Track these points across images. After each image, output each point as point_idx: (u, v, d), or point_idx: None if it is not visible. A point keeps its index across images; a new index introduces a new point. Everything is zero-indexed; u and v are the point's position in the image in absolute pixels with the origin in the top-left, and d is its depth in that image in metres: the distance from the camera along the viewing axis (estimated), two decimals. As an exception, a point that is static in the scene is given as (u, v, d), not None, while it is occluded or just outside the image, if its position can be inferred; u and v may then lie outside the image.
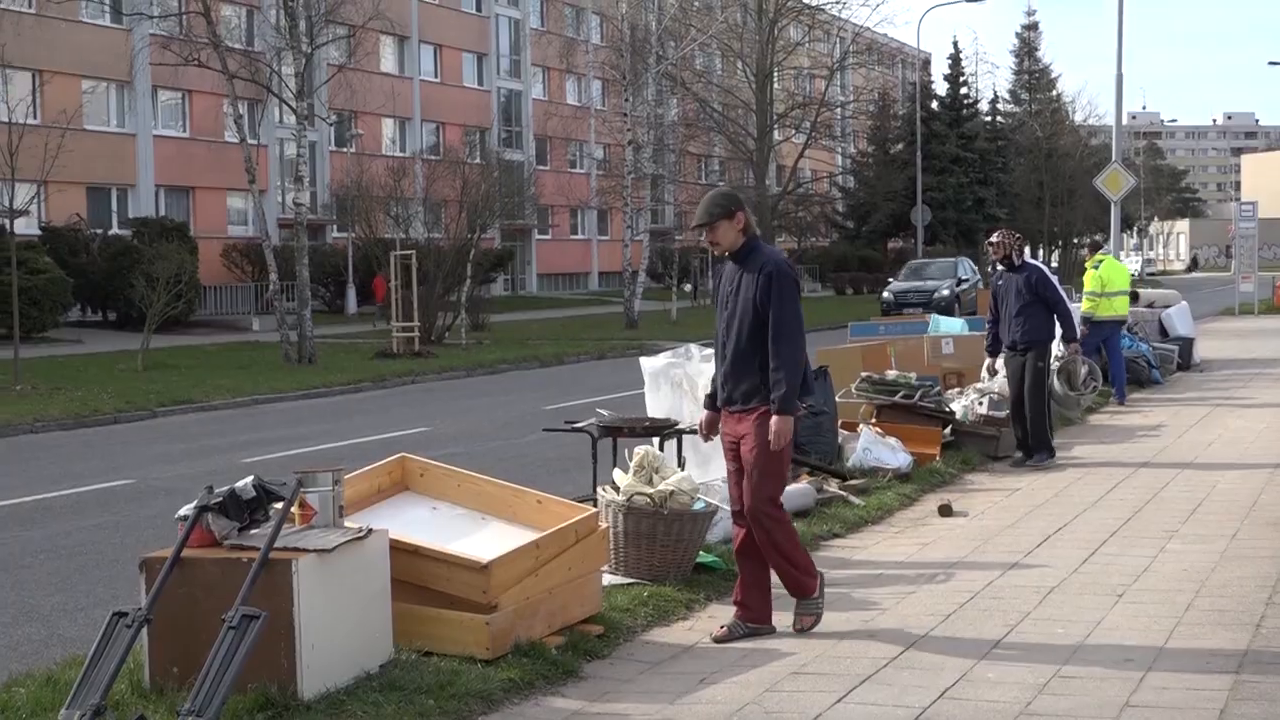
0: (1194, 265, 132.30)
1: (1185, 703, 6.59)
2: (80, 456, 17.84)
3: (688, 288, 65.70)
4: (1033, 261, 15.23)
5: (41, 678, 6.98)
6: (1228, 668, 7.13)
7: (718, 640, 7.82)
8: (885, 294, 48.21)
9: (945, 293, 45.69)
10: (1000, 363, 14.99)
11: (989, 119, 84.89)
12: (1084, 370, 16.84)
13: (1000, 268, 15.11)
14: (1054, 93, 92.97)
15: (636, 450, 9.31)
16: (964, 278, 48.52)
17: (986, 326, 15.46)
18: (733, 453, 7.98)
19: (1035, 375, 14.55)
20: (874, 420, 14.49)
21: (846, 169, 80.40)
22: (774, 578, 8.06)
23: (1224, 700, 6.60)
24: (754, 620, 7.95)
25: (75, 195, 45.73)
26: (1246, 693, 6.72)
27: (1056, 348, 16.05)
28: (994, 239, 15.08)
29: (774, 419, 7.68)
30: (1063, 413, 17.14)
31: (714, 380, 8.12)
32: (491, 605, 7.26)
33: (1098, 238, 32.35)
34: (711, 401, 8.12)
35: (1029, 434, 14.53)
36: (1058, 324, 14.97)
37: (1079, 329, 17.71)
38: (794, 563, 7.97)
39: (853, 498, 11.94)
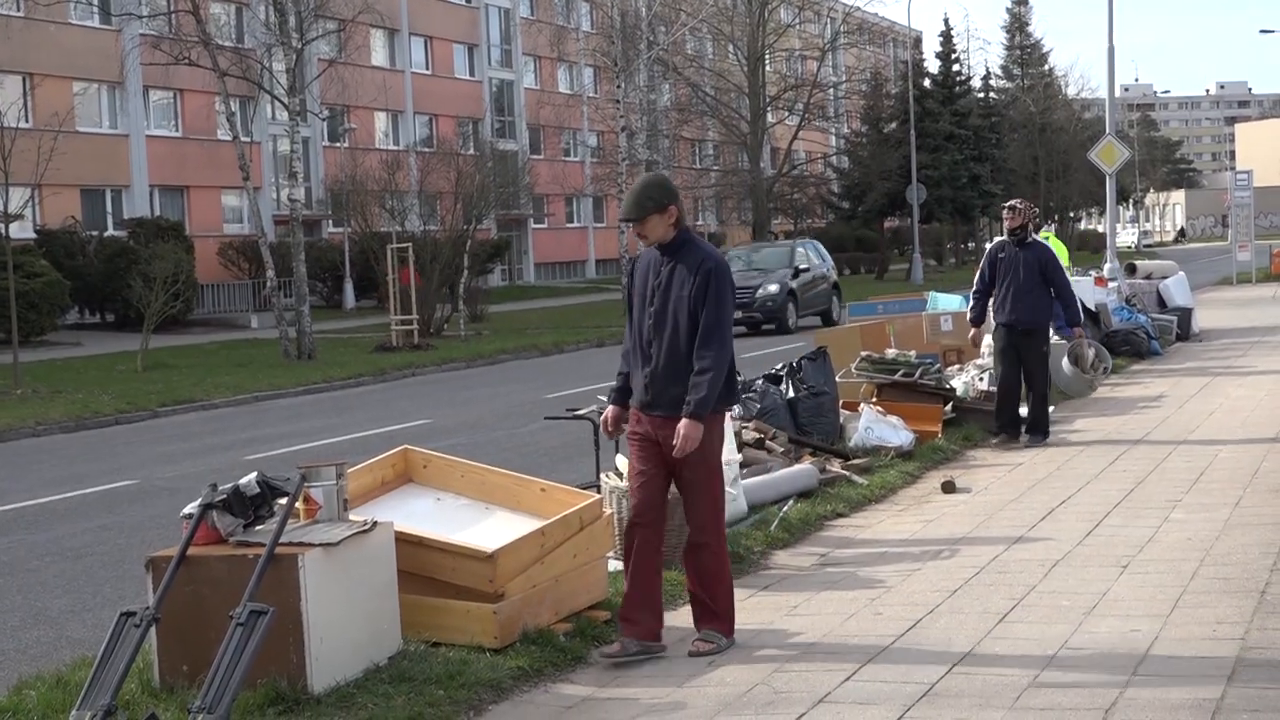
0: (1182, 236, 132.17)
1: (1192, 671, 6.61)
2: (82, 458, 17.86)
3: None
4: (1041, 240, 14.94)
5: (51, 679, 6.99)
6: (1234, 635, 7.15)
7: (608, 656, 7.27)
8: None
9: (773, 289, 35.94)
10: (986, 337, 14.87)
11: (982, 95, 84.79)
12: (1091, 353, 16.41)
13: (1007, 239, 14.51)
14: (1046, 67, 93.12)
15: (638, 436, 9.30)
16: (803, 267, 37.53)
17: (973, 297, 14.94)
18: (649, 455, 7.41)
19: (1040, 357, 14.29)
20: (875, 399, 14.51)
21: (841, 149, 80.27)
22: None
23: (1231, 667, 6.62)
24: (647, 636, 7.36)
25: (70, 198, 45.69)
26: (1253, 659, 6.73)
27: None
28: (1015, 204, 14.71)
29: (684, 422, 7.16)
30: (1069, 394, 16.91)
31: (621, 374, 7.62)
32: (498, 594, 7.28)
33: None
34: (620, 396, 7.61)
35: (1030, 415, 14.29)
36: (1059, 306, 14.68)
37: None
38: (716, 597, 7.50)
39: (856, 477, 11.95)
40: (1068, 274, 15.85)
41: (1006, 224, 14.51)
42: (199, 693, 5.96)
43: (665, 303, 7.31)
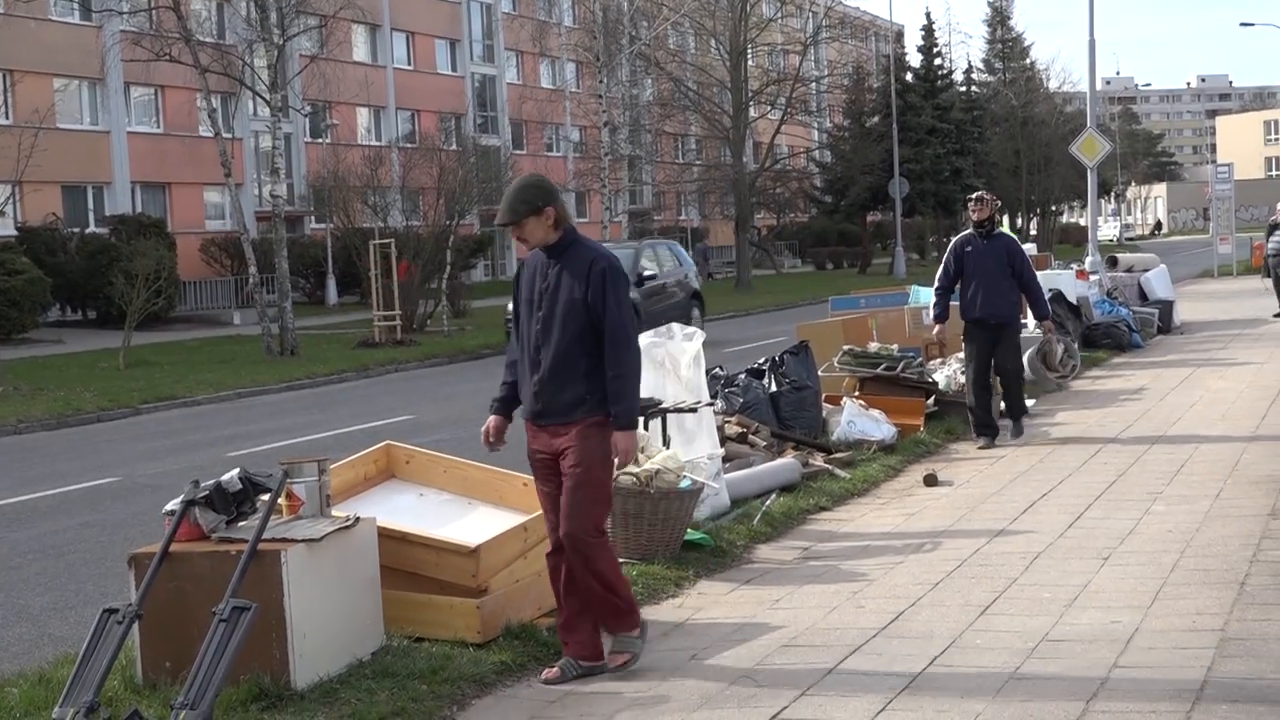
0: (1158, 229, 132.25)
1: (1172, 662, 6.64)
2: (65, 456, 17.82)
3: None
4: (1007, 232, 14.62)
5: (34, 677, 6.99)
6: (1214, 626, 7.18)
7: (548, 682, 6.92)
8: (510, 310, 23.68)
9: None
10: (937, 330, 14.37)
11: (964, 89, 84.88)
12: (1060, 349, 16.02)
13: (974, 231, 14.15)
14: (1027, 61, 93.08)
15: (621, 430, 9.31)
16: (649, 274, 30.79)
17: (935, 294, 14.38)
18: (548, 472, 7.05)
19: (1013, 352, 14.04)
20: (857, 393, 14.53)
21: (823, 143, 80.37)
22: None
23: (1210, 658, 6.65)
24: (588, 657, 7.00)
25: (51, 195, 45.55)
26: (1232, 650, 6.77)
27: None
28: (983, 195, 14.36)
29: (618, 435, 6.84)
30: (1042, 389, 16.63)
31: (505, 384, 7.19)
32: (481, 589, 7.29)
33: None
34: (503, 406, 7.20)
35: (1010, 404, 14.13)
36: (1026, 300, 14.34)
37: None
38: (617, 592, 7.03)
39: (838, 471, 11.98)
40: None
41: (974, 216, 14.12)
42: (182, 689, 5.96)
43: (553, 307, 6.88)
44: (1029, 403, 15.01)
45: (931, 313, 14.65)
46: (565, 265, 6.90)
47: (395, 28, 65.25)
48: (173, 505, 6.95)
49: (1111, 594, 7.94)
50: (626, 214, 54.42)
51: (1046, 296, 15.32)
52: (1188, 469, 11.86)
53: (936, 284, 14.39)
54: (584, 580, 6.91)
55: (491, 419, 7.22)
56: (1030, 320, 15.49)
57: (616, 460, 6.95)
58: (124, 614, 6.23)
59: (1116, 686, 6.33)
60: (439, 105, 66.05)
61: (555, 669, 6.97)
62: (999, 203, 14.81)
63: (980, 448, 13.62)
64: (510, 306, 7.22)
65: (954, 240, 14.53)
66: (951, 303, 14.30)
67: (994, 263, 13.86)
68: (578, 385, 6.86)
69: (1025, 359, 14.39)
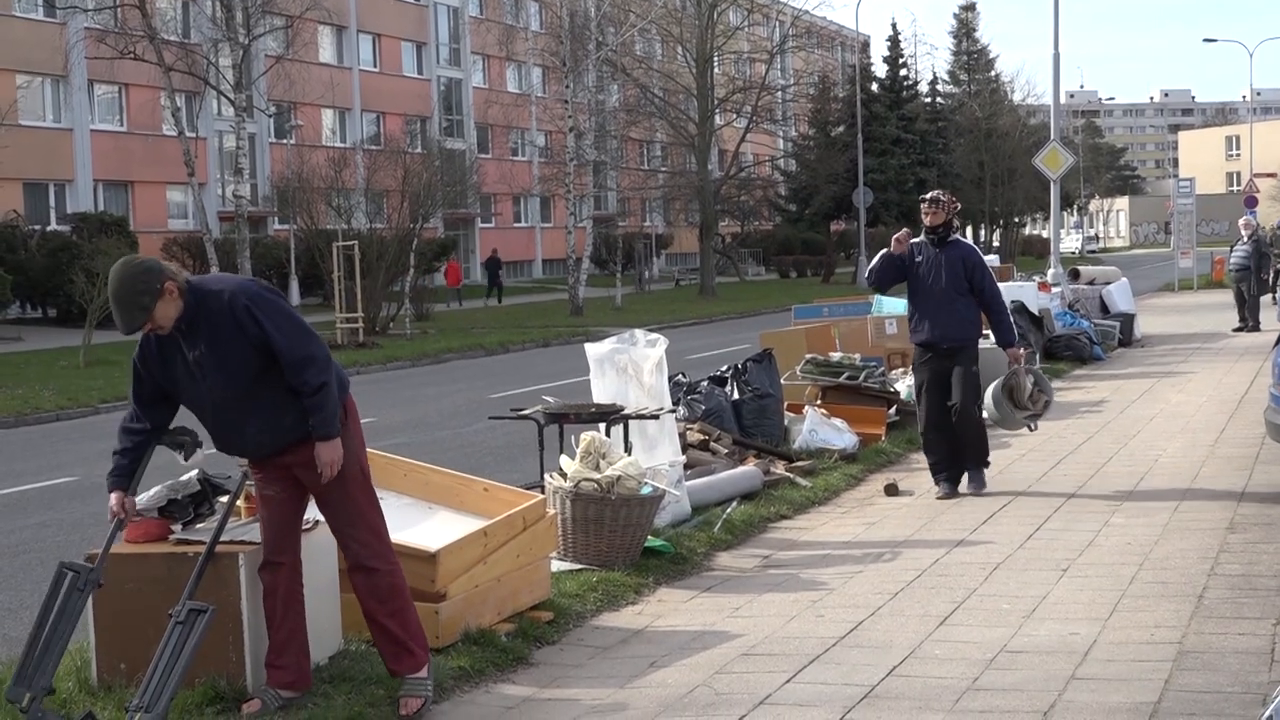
0: (1096, 240, 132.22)
1: (1130, 674, 6.66)
2: (22, 455, 17.70)
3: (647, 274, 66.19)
4: (965, 240, 12.07)
5: (-13, 677, 6.92)
6: (1172, 639, 7.21)
7: (249, 714, 6.33)
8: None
9: None
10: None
11: (929, 100, 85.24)
12: (1029, 382, 12.21)
13: (926, 238, 11.74)
14: (992, 73, 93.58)
15: (583, 436, 9.33)
16: None
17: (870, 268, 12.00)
18: (276, 477, 6.50)
19: (970, 383, 11.59)
20: (819, 402, 14.55)
21: (788, 152, 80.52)
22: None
23: (1168, 671, 6.68)
24: (292, 685, 6.45)
25: (12, 191, 45.31)
26: (1190, 663, 6.79)
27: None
28: (936, 195, 11.85)
29: (320, 446, 6.32)
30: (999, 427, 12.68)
31: (123, 451, 6.51)
32: (440, 594, 7.26)
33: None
34: (121, 480, 6.49)
35: (968, 451, 11.76)
36: (988, 322, 11.90)
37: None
38: (407, 623, 6.59)
39: (799, 479, 11.99)
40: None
41: (926, 220, 11.70)
42: (136, 691, 5.92)
43: (219, 366, 6.19)
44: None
45: (870, 265, 12.07)
46: (202, 324, 6.19)
47: (362, 30, 65.14)
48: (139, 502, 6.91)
49: (1070, 606, 7.96)
50: (591, 220, 54.35)
51: (1010, 309, 13.09)
52: (1147, 482, 11.91)
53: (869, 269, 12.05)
54: (371, 605, 6.55)
55: (113, 496, 6.48)
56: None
57: (321, 474, 6.37)
58: (86, 580, 6.13)
59: (1074, 698, 6.35)
60: (404, 108, 65.94)
61: (256, 700, 6.41)
62: (957, 205, 12.12)
63: (940, 497, 11.56)
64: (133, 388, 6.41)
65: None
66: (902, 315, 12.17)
67: (948, 276, 11.55)
68: (282, 414, 6.32)
69: (989, 394, 11.92)
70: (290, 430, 6.35)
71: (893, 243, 11.68)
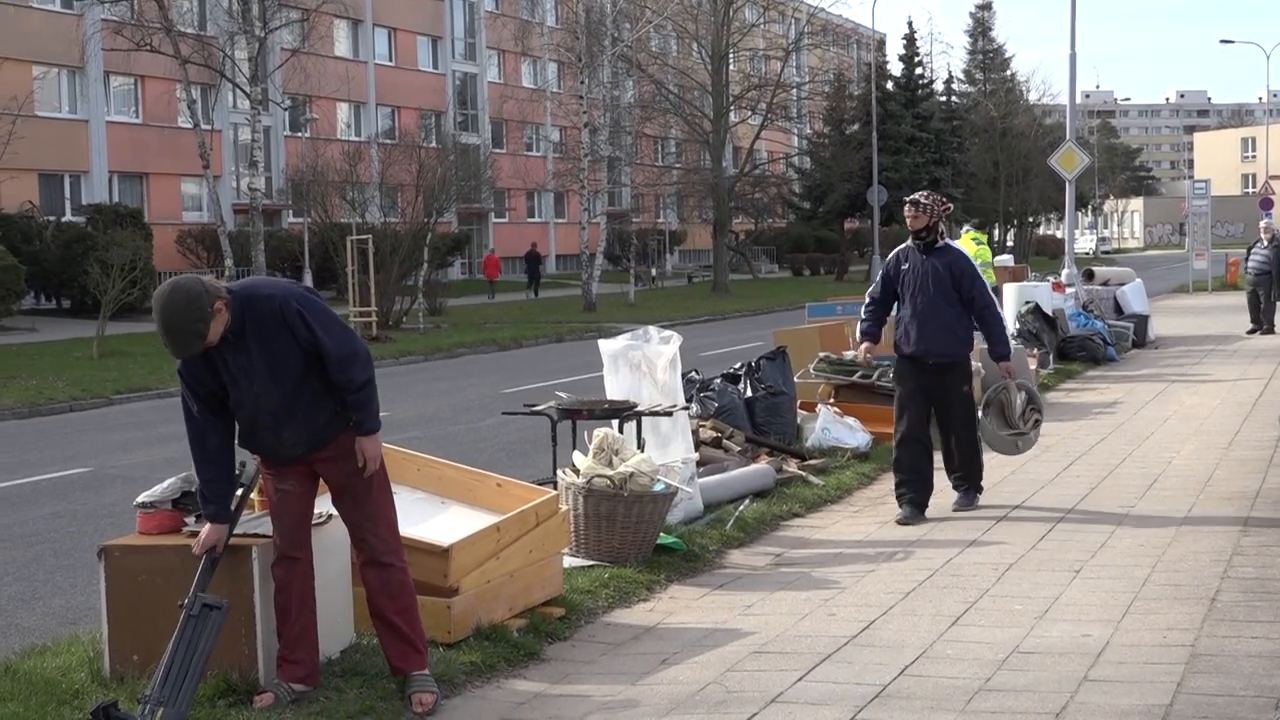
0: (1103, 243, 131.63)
1: (1142, 677, 6.65)
2: (35, 445, 17.73)
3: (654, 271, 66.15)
4: (956, 246, 11.17)
5: None
6: (1184, 641, 7.19)
7: (262, 707, 6.34)
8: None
9: None
10: (863, 350, 11.43)
11: (944, 99, 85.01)
12: (1020, 399, 11.47)
13: (912, 243, 10.91)
14: (1008, 72, 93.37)
15: (596, 433, 9.32)
16: None
17: (865, 311, 11.26)
18: (289, 472, 6.57)
19: (963, 403, 10.95)
20: (832, 400, 14.53)
21: (802, 150, 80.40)
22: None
23: (1180, 674, 6.66)
24: (304, 679, 6.49)
25: (28, 182, 45.38)
26: (1202, 666, 6.78)
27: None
28: (918, 198, 10.89)
29: (363, 441, 6.46)
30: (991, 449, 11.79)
31: (208, 483, 6.45)
32: (453, 589, 7.26)
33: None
34: (221, 512, 6.42)
35: (960, 467, 11.07)
36: (981, 334, 11.08)
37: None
38: (414, 622, 6.66)
39: (812, 477, 11.98)
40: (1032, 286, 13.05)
41: (909, 224, 10.84)
42: (153, 684, 5.92)
43: (267, 369, 6.30)
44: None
45: (859, 328, 11.49)
46: (249, 335, 6.28)
47: (377, 23, 65.17)
48: (144, 498, 6.93)
49: (1082, 607, 7.95)
50: (605, 215, 54.39)
51: (1024, 309, 12.24)
52: (1160, 484, 11.88)
53: (866, 301, 11.35)
54: (383, 603, 6.62)
55: (208, 530, 6.42)
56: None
57: (364, 467, 6.51)
58: (213, 604, 6.15)
59: (1086, 700, 6.34)
60: (419, 102, 65.99)
61: (269, 693, 6.42)
62: (948, 206, 11.18)
63: (899, 521, 10.61)
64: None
65: (891, 253, 11.26)
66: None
67: (935, 285, 10.67)
68: (322, 414, 6.44)
69: (979, 416, 11.28)
70: (322, 431, 6.46)
71: (861, 353, 11.50)
